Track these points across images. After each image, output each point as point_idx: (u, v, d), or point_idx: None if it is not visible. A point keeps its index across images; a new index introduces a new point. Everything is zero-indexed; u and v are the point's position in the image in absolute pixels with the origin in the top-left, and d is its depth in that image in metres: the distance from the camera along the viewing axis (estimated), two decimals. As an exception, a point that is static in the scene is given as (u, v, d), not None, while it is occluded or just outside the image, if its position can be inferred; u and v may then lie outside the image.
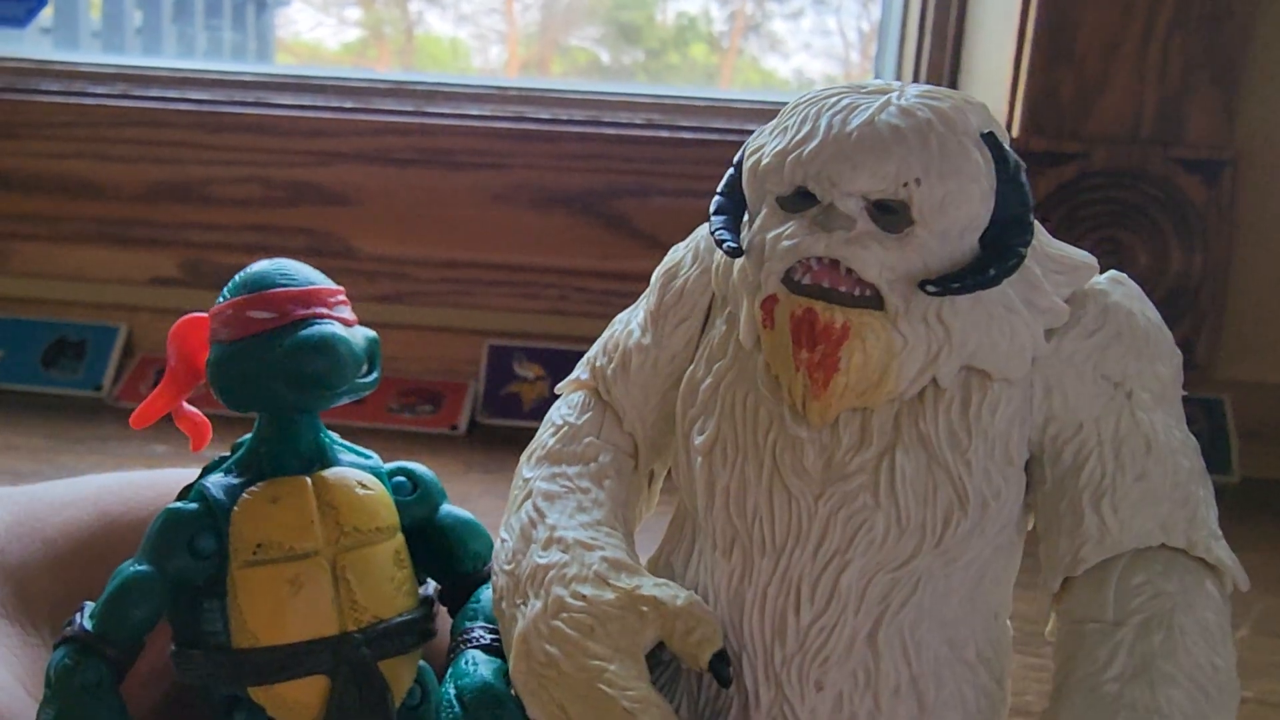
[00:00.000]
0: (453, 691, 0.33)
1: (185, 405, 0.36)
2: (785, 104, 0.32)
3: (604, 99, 0.91)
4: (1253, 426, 0.82)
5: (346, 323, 0.34)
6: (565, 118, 0.88)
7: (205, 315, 0.35)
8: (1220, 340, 0.81)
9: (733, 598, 0.31)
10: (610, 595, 0.30)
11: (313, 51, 1.26)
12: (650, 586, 0.30)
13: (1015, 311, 0.30)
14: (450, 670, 0.34)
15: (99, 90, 0.90)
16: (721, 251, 0.32)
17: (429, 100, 0.90)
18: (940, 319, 0.29)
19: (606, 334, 0.36)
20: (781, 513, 0.30)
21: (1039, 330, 0.30)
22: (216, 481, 0.34)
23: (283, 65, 1.15)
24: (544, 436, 0.35)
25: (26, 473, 0.72)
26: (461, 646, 0.34)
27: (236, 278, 0.35)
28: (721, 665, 0.29)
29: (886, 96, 0.30)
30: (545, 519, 0.32)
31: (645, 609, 0.29)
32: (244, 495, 0.34)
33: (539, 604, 0.30)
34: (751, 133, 0.33)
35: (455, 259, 0.88)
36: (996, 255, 0.29)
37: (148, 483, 0.40)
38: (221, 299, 0.35)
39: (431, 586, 0.36)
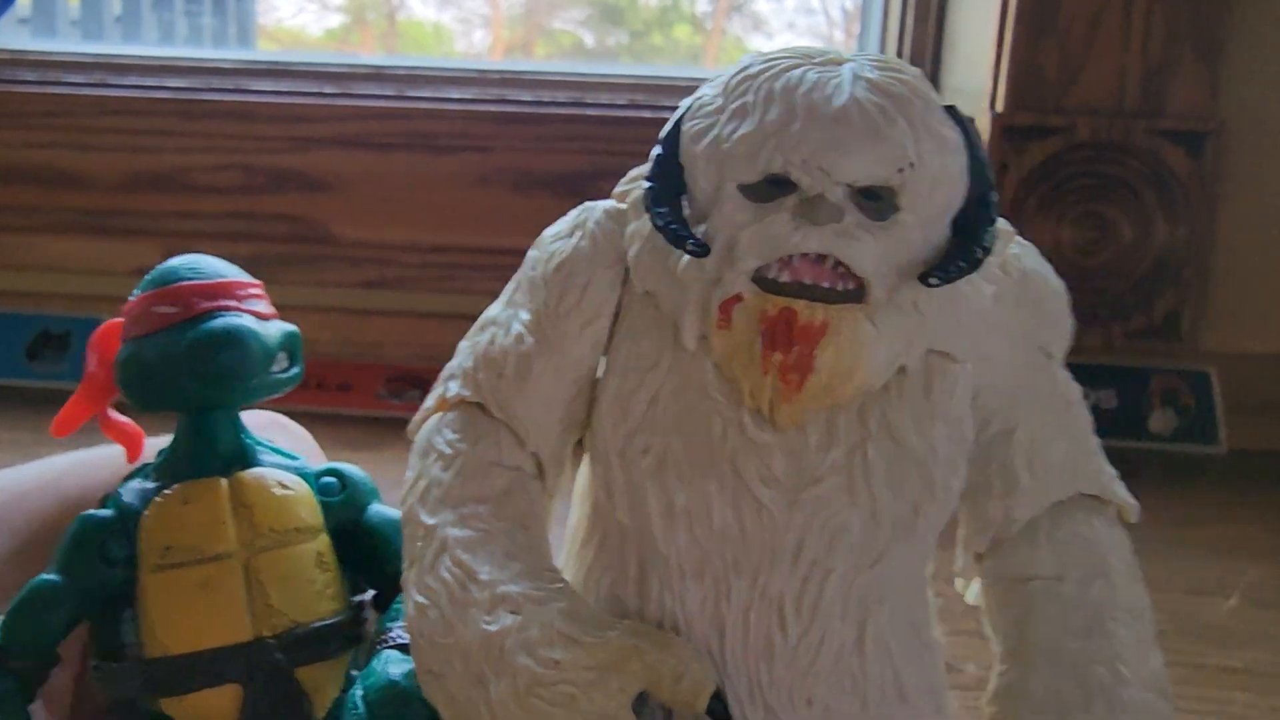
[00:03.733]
0: (359, 692, 0.31)
1: (113, 414, 0.35)
2: (719, 76, 0.30)
3: (587, 80, 0.90)
4: (1239, 398, 0.82)
5: (260, 316, 0.33)
6: (548, 100, 0.87)
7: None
8: (1205, 312, 0.81)
9: (709, 625, 0.28)
10: (585, 657, 0.26)
11: (295, 38, 1.26)
12: (625, 635, 0.27)
13: (975, 287, 0.29)
14: (363, 670, 0.32)
15: (76, 79, 0.89)
16: (684, 251, 0.28)
17: (410, 84, 0.90)
18: (916, 306, 0.28)
19: (479, 340, 0.32)
20: (753, 527, 0.28)
21: (990, 304, 0.30)
22: (132, 486, 0.33)
23: (262, 51, 1.14)
24: (434, 471, 0.30)
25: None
26: (378, 647, 0.32)
27: (150, 274, 0.34)
28: (720, 706, 0.27)
29: (848, 68, 0.29)
30: (477, 575, 0.28)
31: (627, 663, 0.26)
32: (156, 499, 0.33)
33: (507, 683, 0.26)
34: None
35: (439, 243, 0.87)
36: (977, 234, 0.29)
37: (103, 461, 0.39)
38: (132, 296, 0.34)
39: (369, 595, 0.35)
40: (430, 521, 0.29)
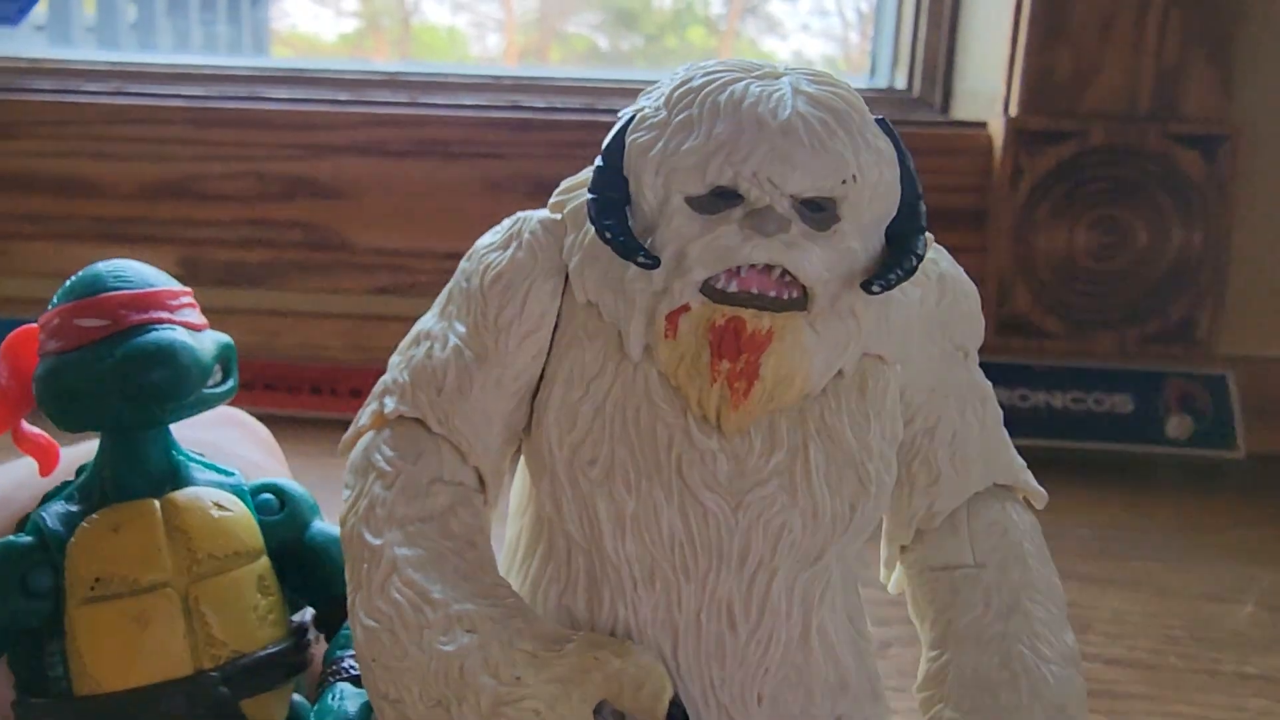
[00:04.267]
0: None
1: (26, 426, 0.32)
2: (655, 83, 0.31)
3: (601, 86, 0.90)
4: (1257, 402, 0.82)
5: (193, 327, 0.31)
6: (561, 105, 0.87)
7: (35, 326, 0.32)
8: (1222, 316, 0.81)
9: (662, 630, 0.29)
10: (546, 672, 0.27)
11: (309, 44, 1.26)
12: (583, 646, 0.27)
13: (904, 291, 0.30)
14: (316, 706, 0.30)
15: (92, 88, 0.90)
16: (634, 264, 0.29)
17: (424, 91, 0.90)
18: (854, 312, 0.29)
19: (414, 354, 0.31)
20: (700, 532, 0.28)
21: (917, 307, 0.31)
22: (54, 511, 0.31)
23: (277, 59, 1.14)
24: (375, 489, 0.29)
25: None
26: (330, 679, 0.31)
27: (69, 281, 0.31)
28: (678, 710, 0.28)
29: (786, 82, 0.29)
30: (429, 595, 0.27)
31: (588, 674, 0.27)
32: (82, 524, 0.30)
33: (470, 704, 0.26)
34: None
35: (453, 250, 0.86)
36: (910, 242, 0.30)
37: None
38: (51, 306, 0.31)
39: (309, 614, 0.33)
40: (376, 542, 0.28)
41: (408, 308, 0.88)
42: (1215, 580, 0.61)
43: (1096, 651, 0.53)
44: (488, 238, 0.32)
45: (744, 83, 0.29)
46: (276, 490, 0.33)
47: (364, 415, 0.31)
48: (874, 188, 0.29)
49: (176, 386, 0.30)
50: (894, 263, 0.29)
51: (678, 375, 0.28)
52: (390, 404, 0.30)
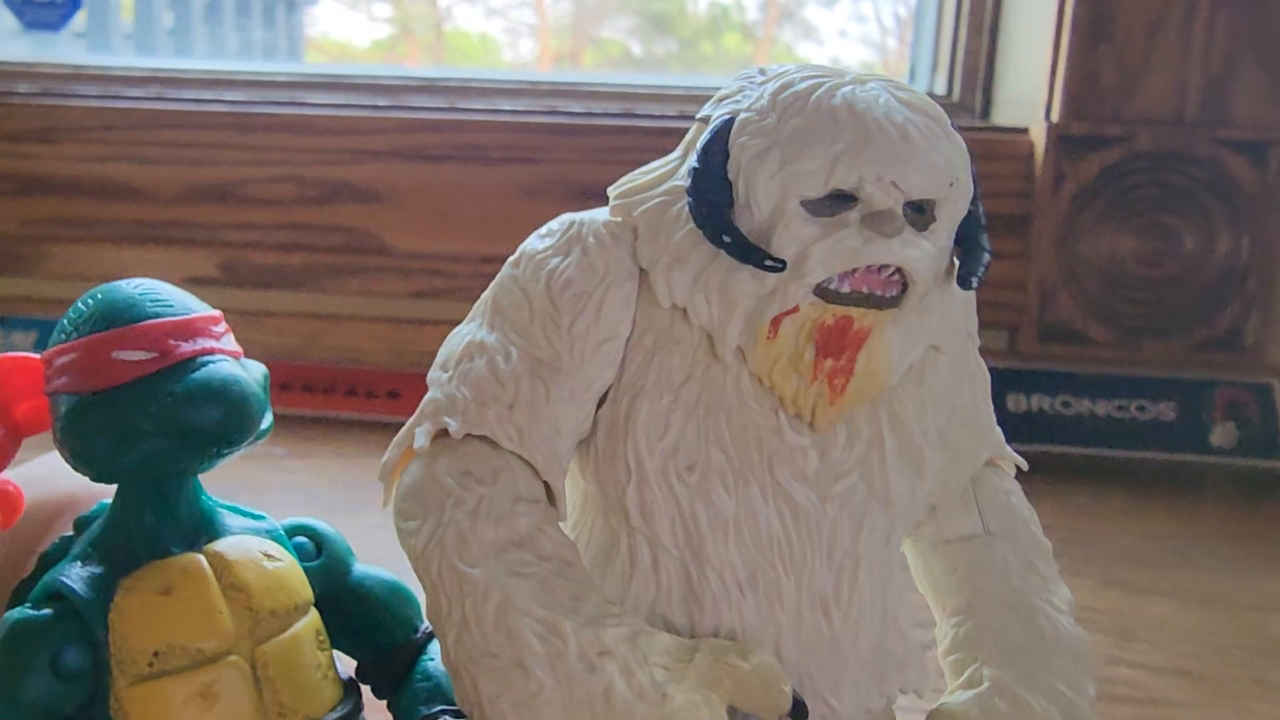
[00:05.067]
0: None
1: None
2: (740, 85, 0.30)
3: (636, 91, 0.90)
4: (1303, 411, 0.81)
5: (235, 355, 0.28)
6: (598, 110, 0.87)
7: (29, 356, 0.28)
8: (1270, 324, 0.80)
9: (764, 628, 0.29)
10: (685, 683, 0.27)
11: (342, 49, 1.27)
12: (710, 653, 0.27)
13: (954, 282, 0.31)
14: None
15: (133, 93, 0.90)
16: (759, 268, 0.28)
17: (461, 96, 0.90)
18: (930, 307, 0.30)
19: (470, 368, 0.29)
20: (796, 528, 0.29)
21: (961, 296, 0.32)
22: (75, 574, 0.27)
23: (315, 64, 1.15)
24: (459, 517, 0.27)
25: (69, 475, 0.72)
26: None
27: (85, 305, 0.27)
28: (801, 708, 0.28)
29: (877, 87, 0.29)
30: (554, 622, 0.26)
31: (720, 681, 0.27)
32: (121, 588, 0.26)
33: None
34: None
35: (489, 254, 0.87)
36: (978, 238, 0.31)
37: (42, 473, 0.33)
38: (64, 335, 0.27)
39: (340, 662, 0.31)
40: (474, 573, 0.27)
41: (445, 311, 0.89)
42: (1261, 589, 0.61)
43: (1141, 660, 0.52)
44: (539, 243, 0.31)
45: (850, 87, 0.29)
46: (310, 533, 0.31)
47: (418, 436, 0.29)
48: (963, 189, 0.30)
49: (238, 426, 0.27)
50: (975, 258, 0.30)
51: (771, 375, 0.29)
52: (454, 423, 0.28)
